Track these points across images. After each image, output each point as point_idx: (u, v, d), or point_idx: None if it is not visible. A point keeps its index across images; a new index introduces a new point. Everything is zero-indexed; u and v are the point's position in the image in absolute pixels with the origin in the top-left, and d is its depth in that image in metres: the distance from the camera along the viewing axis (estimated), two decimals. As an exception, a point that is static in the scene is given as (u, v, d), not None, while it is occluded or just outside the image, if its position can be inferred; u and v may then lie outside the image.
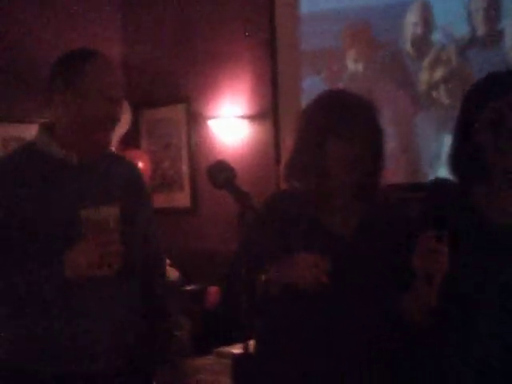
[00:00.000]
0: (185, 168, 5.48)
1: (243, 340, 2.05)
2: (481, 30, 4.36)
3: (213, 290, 4.75)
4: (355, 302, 1.97)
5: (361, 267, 1.99)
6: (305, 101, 4.89)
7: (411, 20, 4.60)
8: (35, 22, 5.28)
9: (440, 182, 1.92)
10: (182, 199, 5.47)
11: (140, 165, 4.69)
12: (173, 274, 4.52)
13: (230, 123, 5.14)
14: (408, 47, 4.62)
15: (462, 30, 4.43)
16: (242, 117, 5.14)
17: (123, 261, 1.97)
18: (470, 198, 1.90)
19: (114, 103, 2.07)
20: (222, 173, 1.96)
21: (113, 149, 2.22)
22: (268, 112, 5.04)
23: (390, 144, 2.12)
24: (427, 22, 4.54)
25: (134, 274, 2.13)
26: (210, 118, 5.27)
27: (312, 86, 4.84)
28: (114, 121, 2.09)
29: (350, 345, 1.98)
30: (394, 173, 4.44)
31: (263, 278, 1.92)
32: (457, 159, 1.92)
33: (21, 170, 2.07)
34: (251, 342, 2.06)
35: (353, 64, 4.84)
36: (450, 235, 1.76)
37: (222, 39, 5.25)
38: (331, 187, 2.02)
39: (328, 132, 1.98)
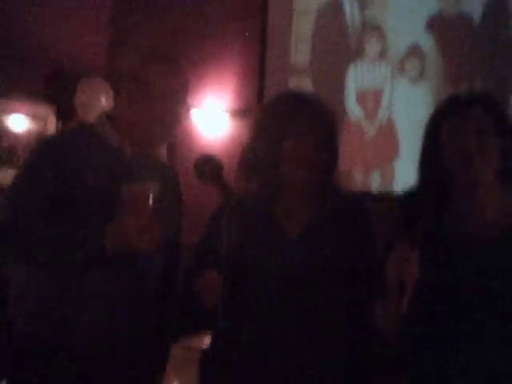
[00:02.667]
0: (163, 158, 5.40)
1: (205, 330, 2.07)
2: None
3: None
4: (302, 300, 2.02)
5: (309, 266, 2.03)
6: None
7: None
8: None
9: (410, 194, 1.95)
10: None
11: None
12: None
13: (213, 116, 5.10)
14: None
15: None
16: (226, 111, 5.09)
17: (160, 237, 2.03)
18: (435, 209, 1.94)
19: (176, 102, 2.20)
20: (209, 166, 1.99)
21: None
22: (253, 108, 4.98)
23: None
24: None
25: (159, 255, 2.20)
26: (193, 108, 5.22)
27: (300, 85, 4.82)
28: (173, 120, 2.21)
29: (301, 344, 2.02)
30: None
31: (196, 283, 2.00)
32: (423, 171, 1.98)
33: (78, 146, 2.17)
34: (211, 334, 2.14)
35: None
36: (420, 245, 1.80)
37: (211, 31, 5.20)
38: (285, 185, 2.06)
39: (281, 130, 2.04)
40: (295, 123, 2.05)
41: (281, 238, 2.08)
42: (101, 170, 2.16)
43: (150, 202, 2.03)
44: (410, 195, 1.96)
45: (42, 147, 2.23)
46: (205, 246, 2.16)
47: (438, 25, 4.44)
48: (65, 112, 5.54)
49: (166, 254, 2.27)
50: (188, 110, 5.10)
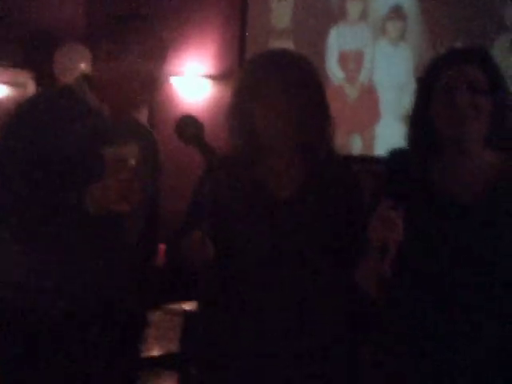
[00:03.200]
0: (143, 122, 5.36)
1: (191, 298, 2.05)
2: None
3: (162, 248, 4.70)
4: (294, 264, 1.99)
5: (300, 230, 2.00)
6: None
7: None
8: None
9: (397, 153, 1.89)
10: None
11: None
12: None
13: (194, 82, 5.05)
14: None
15: None
16: (207, 76, 5.04)
17: (139, 198, 2.03)
18: (424, 169, 1.90)
19: (155, 62, 2.17)
20: (190, 127, 1.97)
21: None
22: (233, 73, 4.94)
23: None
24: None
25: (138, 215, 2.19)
26: (173, 74, 5.17)
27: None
28: (153, 79, 2.18)
29: (287, 309, 1.99)
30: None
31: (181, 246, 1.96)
32: (413, 130, 1.94)
33: (58, 108, 2.16)
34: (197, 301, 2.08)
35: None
36: (405, 206, 1.75)
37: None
38: (264, 145, 2.03)
39: (256, 88, 2.01)
40: (268, 80, 2.01)
41: (268, 200, 2.04)
42: (80, 131, 2.14)
43: (130, 164, 2.04)
44: (397, 154, 1.90)
45: (21, 109, 2.19)
46: (192, 208, 2.12)
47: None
48: (44, 78, 5.49)
49: (146, 215, 2.25)
50: (166, 71, 5.08)
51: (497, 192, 1.85)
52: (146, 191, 2.14)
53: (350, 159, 4.41)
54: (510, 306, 1.81)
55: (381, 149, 4.35)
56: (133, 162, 2.03)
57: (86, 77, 2.24)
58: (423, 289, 1.86)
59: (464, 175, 1.88)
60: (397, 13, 4.46)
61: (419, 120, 1.93)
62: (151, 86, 2.20)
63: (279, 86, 2.00)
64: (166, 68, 2.26)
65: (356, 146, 4.59)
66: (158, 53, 2.20)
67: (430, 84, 1.90)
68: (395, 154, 1.88)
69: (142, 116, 5.30)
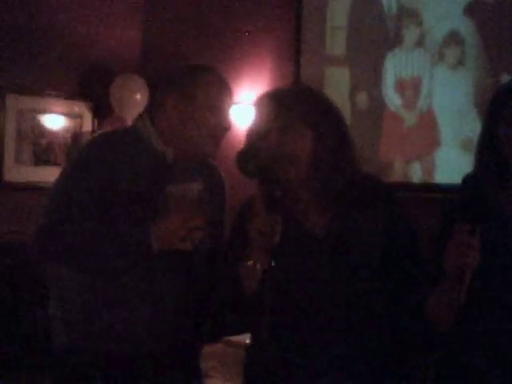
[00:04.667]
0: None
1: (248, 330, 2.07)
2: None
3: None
4: (334, 297, 1.99)
5: (337, 264, 1.98)
6: (328, 92, 4.82)
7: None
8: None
9: (469, 178, 1.92)
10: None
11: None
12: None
13: (250, 110, 5.05)
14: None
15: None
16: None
17: (202, 236, 2.09)
18: (496, 194, 1.90)
19: (221, 116, 2.23)
20: (251, 160, 1.97)
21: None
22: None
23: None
24: None
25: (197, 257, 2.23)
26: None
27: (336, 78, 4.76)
28: (218, 135, 2.24)
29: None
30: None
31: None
32: (482, 156, 1.95)
33: (125, 147, 2.21)
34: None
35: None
36: (480, 231, 1.75)
37: (246, 25, 5.17)
38: (290, 186, 2.01)
39: (254, 131, 2.04)
40: (261, 127, 2.03)
41: (303, 238, 2.03)
42: (145, 171, 2.18)
43: (193, 202, 2.06)
44: (469, 179, 1.93)
45: (89, 146, 2.24)
46: (238, 235, 2.11)
47: (476, 10, 4.33)
48: (101, 109, 5.57)
49: (211, 253, 2.27)
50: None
51: None
52: (212, 228, 2.18)
53: (409, 187, 4.42)
54: None
55: (441, 176, 4.30)
56: (196, 199, 2.06)
57: (150, 118, 2.28)
58: (501, 316, 1.84)
59: None
60: (454, 38, 4.41)
61: (488, 146, 1.93)
62: (217, 137, 2.24)
63: (272, 126, 2.02)
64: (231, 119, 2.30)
65: (416, 174, 4.54)
66: (226, 104, 2.25)
67: (498, 111, 1.90)
68: (468, 180, 1.91)
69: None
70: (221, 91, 2.25)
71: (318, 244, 2.02)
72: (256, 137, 2.03)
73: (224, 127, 2.25)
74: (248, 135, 2.08)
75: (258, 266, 1.89)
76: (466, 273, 1.74)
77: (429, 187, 4.30)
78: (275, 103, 2.05)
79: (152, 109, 2.32)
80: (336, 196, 2.04)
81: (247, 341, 2.26)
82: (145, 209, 2.14)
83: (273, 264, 1.87)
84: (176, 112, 2.22)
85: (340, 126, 2.09)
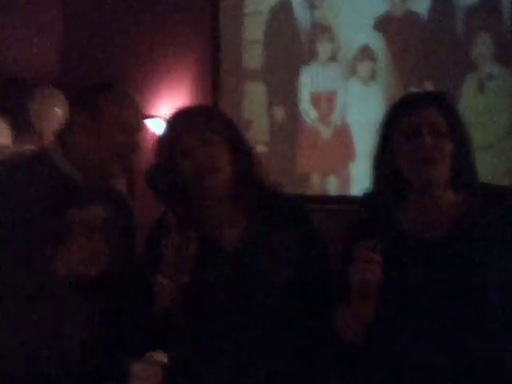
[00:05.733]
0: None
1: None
2: None
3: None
4: (247, 314, 2.00)
5: (248, 280, 2.01)
6: (245, 106, 4.88)
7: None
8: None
9: (368, 195, 1.94)
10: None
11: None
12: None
13: (168, 124, 5.06)
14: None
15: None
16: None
17: (108, 261, 2.08)
18: (390, 210, 1.95)
19: (129, 134, 2.19)
20: (162, 177, 1.97)
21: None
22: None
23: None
24: None
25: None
26: (147, 117, 5.18)
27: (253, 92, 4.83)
28: (128, 152, 2.20)
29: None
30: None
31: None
32: (376, 174, 1.99)
33: (28, 174, 2.19)
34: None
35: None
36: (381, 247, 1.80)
37: (164, 40, 5.18)
38: (198, 200, 2.04)
39: (174, 147, 2.03)
40: (183, 138, 2.03)
41: (214, 254, 2.05)
42: (49, 197, 2.15)
43: (97, 226, 2.05)
44: (368, 196, 1.95)
45: None
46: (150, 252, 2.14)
47: (385, 25, 4.45)
48: (19, 123, 5.48)
49: (118, 276, 2.25)
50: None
51: (460, 228, 1.90)
52: (116, 254, 2.16)
53: (325, 199, 4.50)
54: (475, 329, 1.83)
55: (356, 188, 4.39)
56: (99, 224, 2.07)
57: (61, 142, 2.25)
58: (403, 322, 1.88)
59: (429, 215, 1.93)
60: (366, 53, 4.52)
61: (381, 164, 1.98)
62: (124, 157, 2.21)
63: (192, 137, 2.03)
64: (141, 138, 2.27)
65: (332, 186, 4.64)
66: (135, 123, 2.22)
67: (391, 129, 1.94)
68: (367, 196, 1.93)
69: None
70: (128, 110, 2.22)
71: (229, 259, 2.05)
72: (176, 152, 2.03)
73: (132, 146, 2.22)
74: (162, 151, 2.07)
75: (171, 283, 1.91)
76: (370, 288, 1.78)
77: (344, 199, 4.40)
78: (194, 119, 2.07)
79: (62, 130, 2.30)
80: (249, 210, 2.09)
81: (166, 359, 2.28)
82: (45, 234, 2.10)
83: (187, 280, 1.91)
84: (83, 131, 2.19)
85: (246, 141, 2.14)
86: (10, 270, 2.09)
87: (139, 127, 2.25)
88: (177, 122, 2.09)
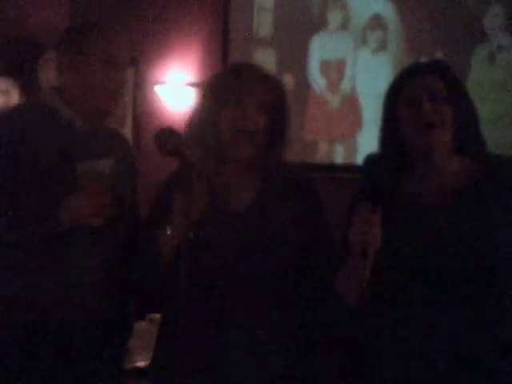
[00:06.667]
0: (128, 133, 5.36)
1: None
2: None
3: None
4: (248, 273, 2.04)
5: (253, 241, 2.05)
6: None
7: None
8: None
9: (372, 159, 1.95)
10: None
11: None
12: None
13: (178, 89, 5.07)
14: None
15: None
16: (191, 84, 5.07)
17: (114, 212, 2.13)
18: (395, 176, 1.96)
19: (117, 70, 2.24)
20: (169, 140, 1.98)
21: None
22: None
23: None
24: None
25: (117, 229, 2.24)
26: (157, 83, 5.18)
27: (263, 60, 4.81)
28: (117, 87, 2.25)
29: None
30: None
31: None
32: (383, 139, 2.01)
33: (30, 121, 2.20)
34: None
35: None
36: (381, 209, 1.81)
37: (175, 7, 5.16)
38: (226, 159, 2.09)
39: (218, 102, 2.07)
40: (231, 94, 2.07)
41: (224, 216, 2.08)
42: (55, 145, 2.18)
43: (103, 178, 2.09)
44: (372, 159, 1.95)
45: None
46: (158, 207, 2.16)
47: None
48: (28, 86, 5.49)
49: (125, 227, 2.29)
50: (146, 78, 5.08)
51: (464, 196, 1.91)
52: (124, 203, 2.22)
53: (331, 167, 4.51)
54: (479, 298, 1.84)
55: (363, 157, 4.37)
56: (106, 176, 2.09)
57: (56, 89, 2.28)
58: (405, 287, 1.88)
59: (433, 182, 1.95)
60: (377, 22, 4.50)
61: (388, 130, 2.00)
62: (114, 92, 2.25)
63: (244, 96, 2.07)
64: (127, 76, 2.32)
65: (339, 155, 4.64)
66: (119, 61, 2.25)
67: (396, 96, 1.97)
68: (370, 160, 1.93)
69: (127, 125, 5.33)
70: (115, 46, 2.26)
71: (237, 220, 2.07)
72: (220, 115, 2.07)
73: (120, 82, 2.26)
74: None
75: (177, 235, 1.94)
76: (369, 250, 1.79)
77: (351, 168, 4.40)
78: (255, 82, 2.10)
79: (55, 76, 2.33)
80: (265, 176, 2.12)
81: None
82: (55, 184, 2.14)
83: (192, 236, 1.93)
84: (72, 69, 2.22)
85: (287, 108, 2.16)
86: (23, 218, 2.12)
87: (127, 64, 2.30)
88: (232, 74, 2.13)
